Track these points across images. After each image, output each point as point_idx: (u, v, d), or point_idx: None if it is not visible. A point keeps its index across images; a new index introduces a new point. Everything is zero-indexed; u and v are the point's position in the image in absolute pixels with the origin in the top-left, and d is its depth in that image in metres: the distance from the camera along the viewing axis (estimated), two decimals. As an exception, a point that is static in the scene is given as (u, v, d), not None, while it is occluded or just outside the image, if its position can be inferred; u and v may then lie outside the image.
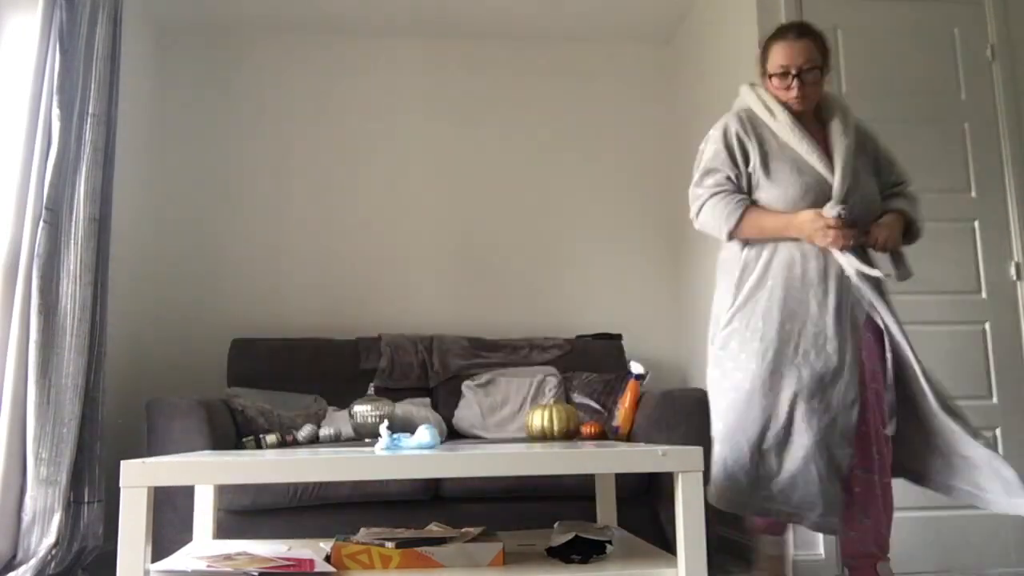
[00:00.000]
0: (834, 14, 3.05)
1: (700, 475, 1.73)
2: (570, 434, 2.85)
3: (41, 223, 2.45)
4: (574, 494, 2.63)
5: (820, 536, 2.75)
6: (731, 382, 2.12)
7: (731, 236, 2.15)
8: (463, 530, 1.99)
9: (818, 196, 2.10)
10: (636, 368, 3.05)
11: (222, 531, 2.57)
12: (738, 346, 2.12)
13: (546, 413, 2.85)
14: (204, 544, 2.10)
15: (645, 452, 1.76)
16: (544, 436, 2.83)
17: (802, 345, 2.05)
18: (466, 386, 3.31)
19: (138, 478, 1.65)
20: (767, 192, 2.15)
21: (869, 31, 3.05)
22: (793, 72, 2.13)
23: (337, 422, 2.97)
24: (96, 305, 2.62)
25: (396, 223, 3.82)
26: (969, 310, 2.93)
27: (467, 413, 3.24)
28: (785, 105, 2.18)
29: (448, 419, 3.26)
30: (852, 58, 3.03)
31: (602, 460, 1.76)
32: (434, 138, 3.91)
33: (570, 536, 1.88)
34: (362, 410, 2.84)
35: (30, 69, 2.51)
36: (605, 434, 2.94)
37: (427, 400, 3.29)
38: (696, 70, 3.75)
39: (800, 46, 2.14)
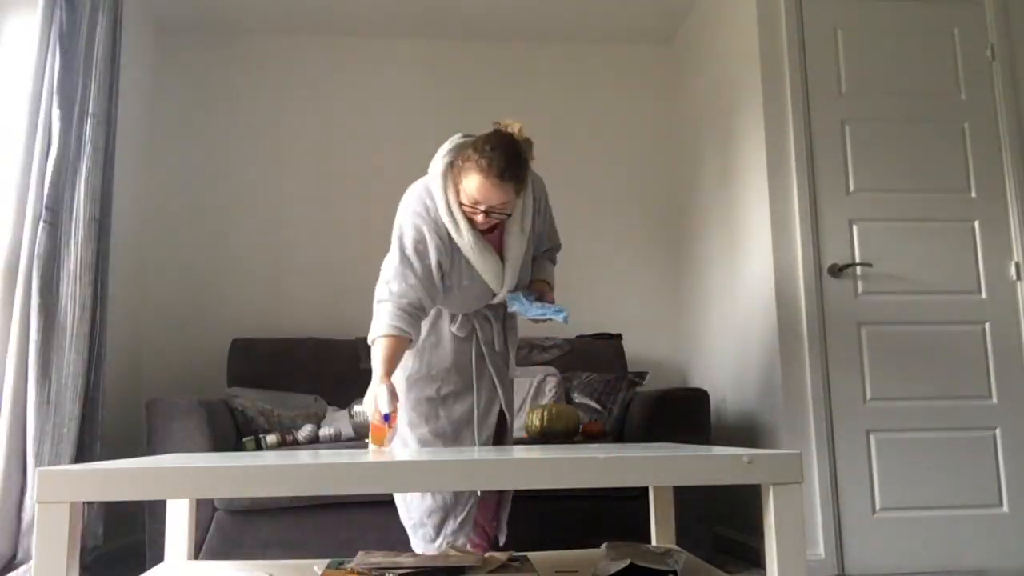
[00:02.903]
0: (834, 14, 3.05)
1: (799, 488, 1.39)
2: (570, 434, 2.85)
3: (41, 223, 2.45)
4: (590, 491, 2.62)
5: (820, 536, 2.75)
6: None
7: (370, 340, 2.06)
8: (488, 555, 1.80)
9: (481, 299, 2.18)
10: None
11: (220, 532, 2.58)
12: None
13: (546, 413, 2.85)
14: (177, 568, 1.90)
15: (723, 459, 1.38)
16: (544, 436, 2.83)
17: None
18: (466, 386, 3.31)
19: (58, 491, 1.29)
20: (443, 300, 2.15)
21: (869, 31, 3.05)
22: (483, 208, 2.02)
23: (337, 422, 2.97)
24: (96, 305, 2.62)
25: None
26: (969, 310, 2.93)
27: (467, 413, 3.23)
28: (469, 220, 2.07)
29: (448, 419, 3.26)
30: (852, 58, 3.03)
31: (667, 471, 1.37)
32: (434, 138, 3.89)
33: (624, 564, 1.59)
34: (362, 410, 2.84)
35: (30, 69, 2.51)
36: (605, 434, 2.94)
37: (427, 400, 3.29)
38: (696, 70, 3.75)
39: (500, 192, 2.00)
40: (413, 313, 2.02)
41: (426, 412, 2.15)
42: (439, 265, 2.07)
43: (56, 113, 2.50)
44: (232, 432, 2.83)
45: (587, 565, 1.82)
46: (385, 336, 1.98)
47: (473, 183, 1.99)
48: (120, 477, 1.30)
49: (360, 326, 3.73)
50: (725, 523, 3.28)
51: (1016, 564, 2.78)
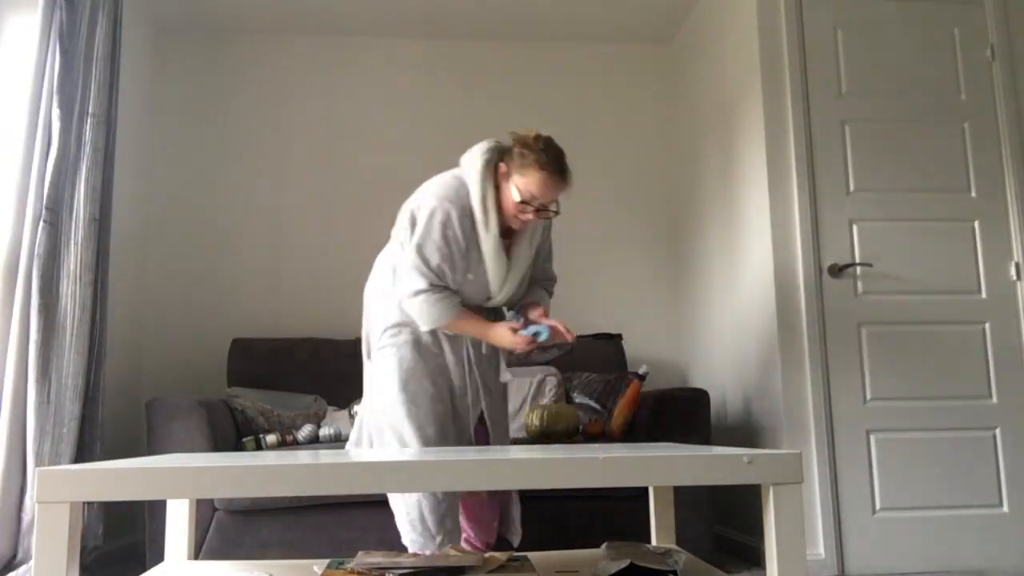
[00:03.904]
0: (834, 14, 3.05)
1: (799, 488, 1.39)
2: (570, 434, 2.85)
3: (41, 223, 2.45)
4: (590, 491, 2.63)
5: (820, 536, 2.75)
6: None
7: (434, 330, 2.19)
8: (488, 555, 1.80)
9: (473, 299, 2.22)
10: (641, 368, 3.07)
11: (220, 532, 2.58)
12: None
13: (546, 413, 2.85)
14: (177, 568, 1.90)
15: (723, 459, 1.38)
16: (544, 436, 2.83)
17: None
18: (466, 386, 3.31)
19: (58, 491, 1.29)
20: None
21: (869, 31, 3.05)
22: (536, 206, 2.10)
23: (337, 422, 2.97)
24: (96, 305, 2.62)
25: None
26: (969, 310, 2.93)
27: (467, 413, 3.24)
28: (500, 217, 2.14)
29: (448, 419, 3.26)
30: (852, 58, 3.03)
31: (667, 471, 1.38)
32: (433, 138, 3.91)
33: (624, 564, 1.59)
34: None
35: (30, 69, 2.52)
36: (605, 433, 2.94)
37: (427, 400, 3.29)
38: (696, 70, 3.75)
39: (560, 187, 2.11)
40: (450, 293, 2.14)
41: (422, 404, 2.16)
42: (457, 248, 2.12)
43: (56, 113, 2.50)
44: (232, 432, 2.83)
45: (587, 565, 1.82)
46: (454, 320, 2.12)
47: (535, 179, 2.06)
48: (120, 477, 1.30)
49: (360, 326, 3.73)
50: (725, 523, 3.28)
51: (1016, 564, 2.78)
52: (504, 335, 2.14)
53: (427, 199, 2.12)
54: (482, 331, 2.16)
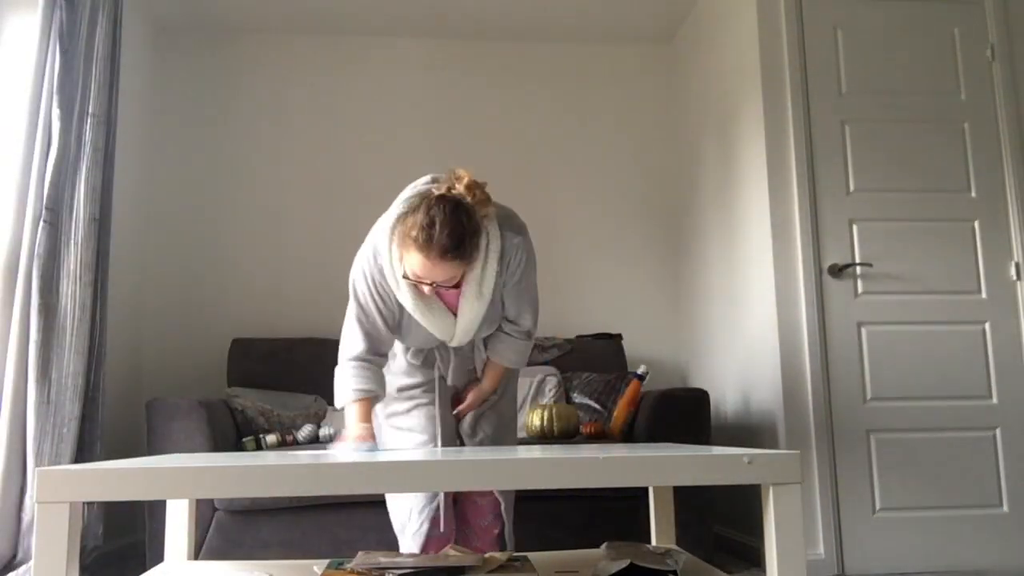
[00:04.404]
0: (834, 14, 3.05)
1: (798, 488, 1.39)
2: (570, 434, 2.85)
3: (41, 223, 2.45)
4: (590, 491, 2.62)
5: (820, 536, 2.75)
6: None
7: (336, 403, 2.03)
8: (488, 555, 1.79)
9: (434, 342, 2.07)
10: (640, 368, 3.07)
11: (220, 532, 2.58)
12: None
13: (546, 413, 2.85)
14: (177, 568, 1.89)
15: (723, 459, 1.37)
16: (544, 436, 2.83)
17: None
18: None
19: (58, 491, 1.28)
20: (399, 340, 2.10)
21: (869, 31, 3.05)
22: (427, 282, 1.86)
23: (337, 422, 2.97)
24: (96, 305, 2.62)
25: (396, 223, 3.82)
26: (969, 310, 2.93)
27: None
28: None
29: (448, 419, 3.26)
30: (852, 58, 3.03)
31: (667, 471, 1.36)
32: (433, 138, 3.91)
33: (624, 564, 1.59)
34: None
35: (30, 69, 2.51)
36: (604, 433, 2.94)
37: (427, 400, 3.29)
38: (696, 70, 3.75)
39: (443, 268, 1.81)
40: (371, 367, 1.99)
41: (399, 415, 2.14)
42: (391, 314, 1.98)
43: (56, 113, 2.50)
44: (232, 432, 2.83)
45: (587, 565, 1.82)
46: (355, 401, 1.98)
47: (414, 260, 1.81)
48: (120, 477, 1.29)
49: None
50: (725, 523, 3.28)
51: (1016, 564, 2.78)
52: (347, 445, 1.94)
53: (354, 270, 1.99)
54: (353, 434, 1.96)
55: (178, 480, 1.30)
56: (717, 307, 3.47)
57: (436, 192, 1.89)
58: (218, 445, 2.64)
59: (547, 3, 3.69)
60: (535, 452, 1.55)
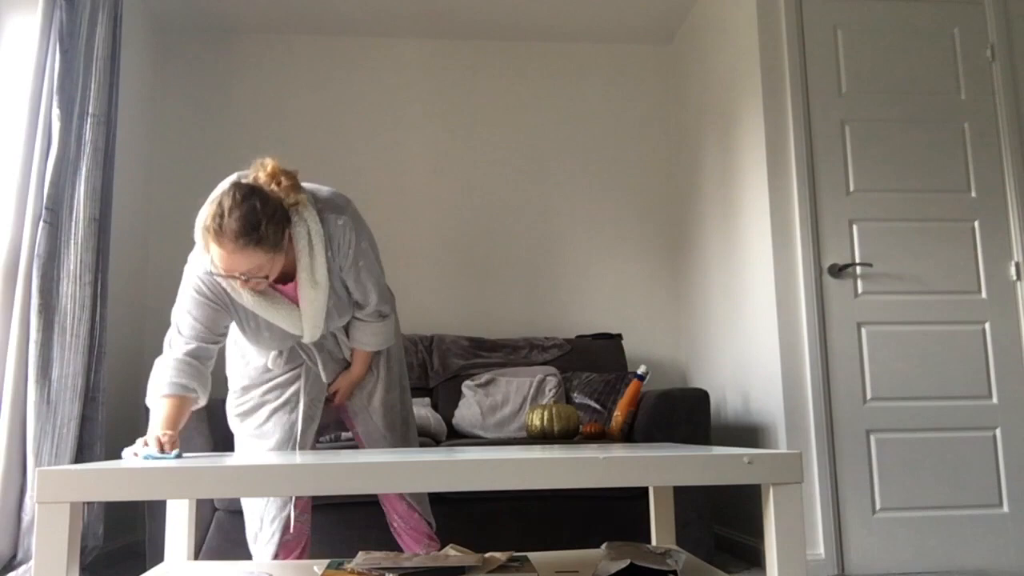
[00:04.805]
0: (834, 14, 3.05)
1: (799, 488, 1.39)
2: (570, 434, 2.85)
3: (41, 223, 2.45)
4: (589, 491, 2.62)
5: (820, 536, 2.75)
6: None
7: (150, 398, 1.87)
8: (487, 555, 1.78)
9: (290, 339, 2.02)
10: (640, 368, 3.07)
11: (220, 532, 2.57)
12: None
13: (546, 413, 2.85)
14: (177, 568, 1.88)
15: (723, 459, 1.38)
16: (544, 436, 2.83)
17: None
18: (466, 386, 3.31)
19: (58, 491, 1.27)
20: (252, 344, 2.03)
21: (869, 31, 3.05)
22: (238, 275, 1.78)
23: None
24: (96, 305, 2.62)
25: (396, 223, 3.82)
26: (969, 310, 2.93)
27: (467, 413, 3.24)
28: None
29: (448, 419, 3.26)
30: (852, 58, 3.03)
31: (667, 471, 1.37)
32: (434, 138, 3.91)
33: (624, 564, 1.59)
34: None
35: (30, 69, 2.51)
36: (604, 433, 2.94)
37: (427, 400, 3.30)
38: (696, 70, 3.75)
39: (244, 256, 1.73)
40: (196, 364, 1.87)
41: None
42: (220, 306, 1.91)
43: (56, 113, 2.50)
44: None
45: (587, 565, 1.82)
46: (166, 396, 1.81)
47: (214, 253, 1.75)
48: (120, 477, 1.29)
49: (360, 326, 3.75)
50: (725, 523, 3.28)
51: (1016, 564, 2.78)
52: (146, 450, 1.72)
53: (186, 270, 1.95)
54: (151, 429, 1.81)
55: (178, 480, 1.30)
56: (717, 307, 3.47)
57: (232, 182, 1.83)
58: (218, 445, 2.64)
59: (547, 3, 3.69)
60: (535, 452, 1.55)
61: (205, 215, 1.76)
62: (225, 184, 1.85)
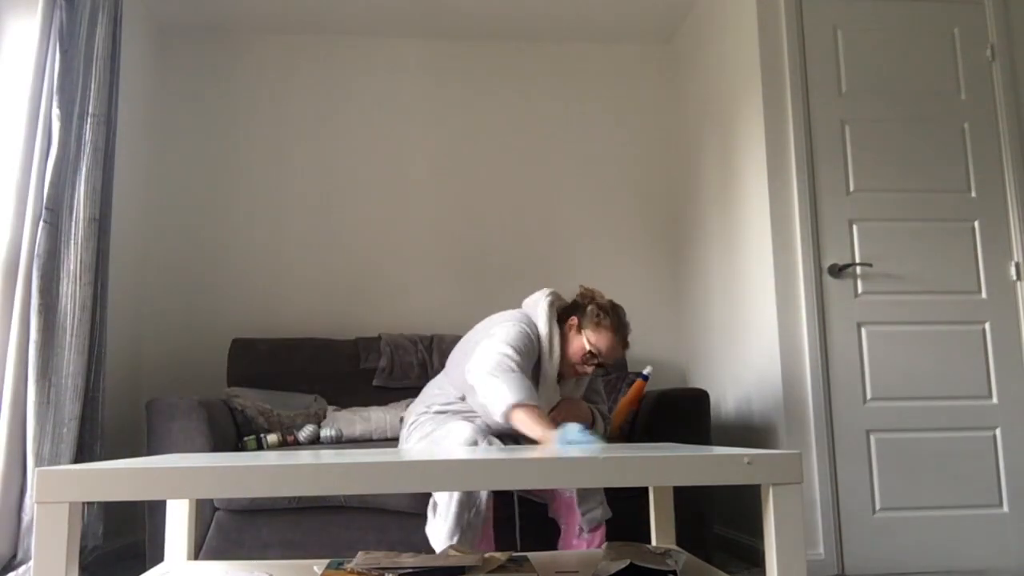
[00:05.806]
0: (834, 14, 3.05)
1: (799, 488, 1.39)
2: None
3: (41, 223, 2.45)
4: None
5: (820, 536, 2.75)
6: None
7: (506, 413, 2.14)
8: (487, 555, 1.79)
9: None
10: (645, 368, 3.07)
11: (220, 532, 2.57)
12: None
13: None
14: (177, 568, 1.89)
15: (723, 459, 1.38)
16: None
17: None
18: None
19: (57, 491, 1.28)
20: None
21: (869, 31, 3.05)
22: (600, 361, 2.37)
23: (338, 422, 2.97)
24: (96, 305, 2.62)
25: (396, 223, 3.82)
26: (969, 310, 2.93)
27: (467, 413, 3.24)
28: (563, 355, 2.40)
29: (448, 419, 3.26)
30: (852, 58, 3.03)
31: (667, 471, 1.37)
32: (433, 138, 3.91)
33: (623, 564, 1.59)
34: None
35: (30, 69, 2.51)
36: (605, 434, 2.94)
37: (427, 400, 3.30)
38: (696, 70, 3.75)
39: (621, 352, 2.41)
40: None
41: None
42: (530, 360, 2.33)
43: (56, 113, 2.50)
44: (232, 432, 2.83)
45: (587, 565, 1.82)
46: (532, 404, 2.14)
47: (606, 340, 2.35)
48: (120, 477, 1.29)
49: (360, 326, 3.75)
50: (725, 523, 3.28)
51: (1016, 564, 2.78)
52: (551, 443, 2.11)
53: (506, 319, 2.37)
54: (541, 438, 2.11)
55: (178, 480, 1.30)
56: (717, 307, 3.47)
57: (609, 300, 2.46)
58: (218, 445, 2.64)
59: (547, 3, 3.69)
60: (535, 452, 1.55)
61: (597, 310, 2.37)
62: (603, 297, 2.45)
